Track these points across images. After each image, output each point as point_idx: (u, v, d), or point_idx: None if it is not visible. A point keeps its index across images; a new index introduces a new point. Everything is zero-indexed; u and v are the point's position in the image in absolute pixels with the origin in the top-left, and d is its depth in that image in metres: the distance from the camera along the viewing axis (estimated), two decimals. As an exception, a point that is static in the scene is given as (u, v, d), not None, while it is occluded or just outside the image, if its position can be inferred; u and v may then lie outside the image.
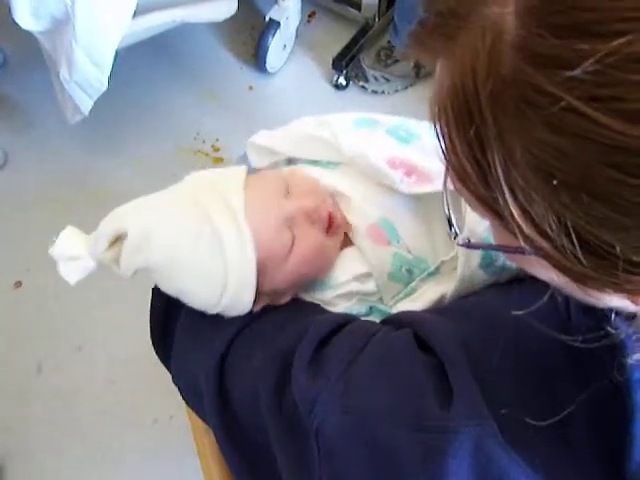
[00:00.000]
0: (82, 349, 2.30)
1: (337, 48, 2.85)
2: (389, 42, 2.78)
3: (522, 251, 0.56)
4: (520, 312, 0.71)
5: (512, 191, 0.50)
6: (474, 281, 0.93)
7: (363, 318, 0.98)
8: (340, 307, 1.00)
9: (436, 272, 0.98)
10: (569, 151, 0.45)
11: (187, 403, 1.08)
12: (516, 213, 0.50)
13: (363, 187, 1.03)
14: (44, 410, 2.21)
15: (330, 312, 0.99)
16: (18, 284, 2.41)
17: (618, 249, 0.47)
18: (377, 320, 0.96)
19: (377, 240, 1.00)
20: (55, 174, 2.64)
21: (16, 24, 2.01)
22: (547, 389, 0.68)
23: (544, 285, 0.64)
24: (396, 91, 2.81)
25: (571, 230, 0.48)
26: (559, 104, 0.44)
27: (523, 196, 0.49)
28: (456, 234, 0.69)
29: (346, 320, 0.91)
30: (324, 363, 0.83)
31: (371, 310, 1.01)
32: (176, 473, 2.05)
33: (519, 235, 0.52)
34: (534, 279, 0.90)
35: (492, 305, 0.84)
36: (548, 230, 0.49)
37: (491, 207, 0.54)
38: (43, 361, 2.28)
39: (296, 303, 1.03)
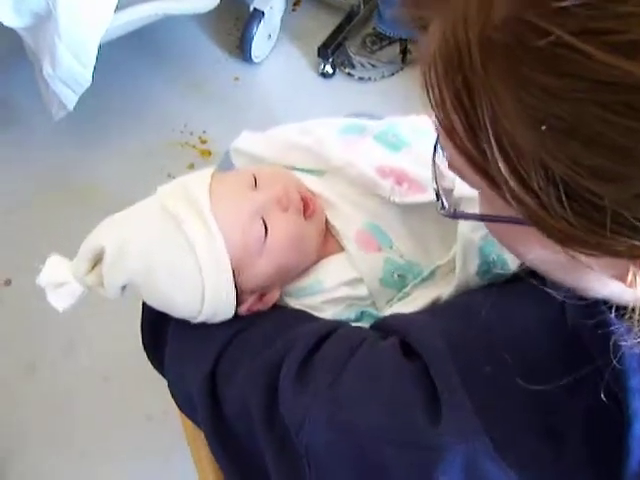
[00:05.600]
0: (75, 347, 2.29)
1: (323, 36, 2.83)
2: (374, 28, 2.77)
3: (509, 220, 0.55)
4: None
5: (499, 142, 0.48)
6: (470, 286, 0.92)
7: (353, 324, 0.97)
8: (328, 313, 0.99)
9: (430, 277, 0.96)
10: (558, 91, 0.44)
11: (184, 412, 1.08)
12: (503, 168, 0.49)
13: (350, 193, 1.02)
14: (39, 410, 2.21)
15: (318, 319, 0.98)
16: (7, 282, 2.40)
17: (607, 202, 0.45)
18: (367, 325, 0.95)
19: (367, 246, 0.99)
20: (41, 170, 2.62)
21: (-2, 21, 2.00)
22: (543, 401, 0.67)
23: (540, 282, 0.63)
24: (383, 77, 2.80)
25: (559, 182, 0.47)
26: (549, 38, 0.43)
27: (510, 147, 0.48)
28: (442, 206, 0.68)
29: (331, 329, 0.90)
30: (310, 379, 0.82)
31: (362, 315, 1.00)
32: (172, 469, 2.05)
33: (506, 193, 0.51)
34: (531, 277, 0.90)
35: (486, 307, 0.81)
36: (535, 185, 0.48)
37: (479, 166, 0.53)
38: (36, 360, 2.27)
39: (284, 311, 1.02)
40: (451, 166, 0.60)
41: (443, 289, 0.93)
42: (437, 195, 0.68)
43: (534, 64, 0.45)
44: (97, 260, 0.96)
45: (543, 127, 0.45)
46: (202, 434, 1.14)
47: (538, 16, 0.44)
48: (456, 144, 0.53)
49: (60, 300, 0.98)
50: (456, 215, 0.68)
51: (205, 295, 0.93)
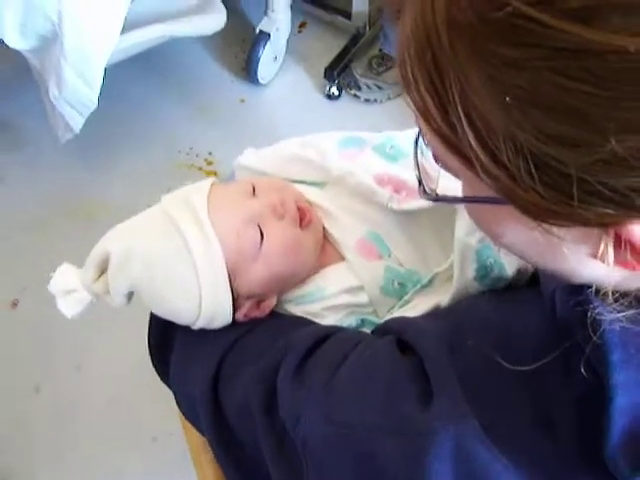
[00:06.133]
0: (80, 368, 2.28)
1: (329, 58, 2.85)
2: (380, 50, 2.78)
3: (487, 200, 0.56)
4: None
5: (469, 117, 0.49)
6: (469, 292, 0.93)
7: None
8: (329, 319, 1.00)
9: (429, 284, 0.97)
10: (518, 61, 0.45)
11: (189, 421, 1.08)
12: (474, 143, 0.50)
13: (350, 204, 1.04)
14: (44, 430, 2.20)
15: (318, 324, 1.00)
16: (14, 303, 2.40)
17: (572, 169, 0.46)
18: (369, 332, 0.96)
19: (368, 255, 1.00)
20: (49, 191, 2.63)
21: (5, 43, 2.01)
22: (533, 388, 0.67)
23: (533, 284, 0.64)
24: (389, 99, 2.81)
25: (526, 153, 0.48)
26: (506, 9, 0.44)
27: (480, 121, 0.49)
28: (424, 191, 0.69)
29: (330, 332, 0.92)
30: (307, 376, 0.84)
31: (363, 323, 1.01)
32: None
33: (479, 169, 0.52)
34: (530, 283, 0.90)
35: (483, 308, 0.84)
36: (505, 158, 0.49)
37: (452, 144, 0.54)
38: (42, 380, 2.27)
39: (283, 318, 1.04)
40: (431, 151, 0.61)
41: (443, 296, 0.95)
42: (419, 181, 0.69)
43: (495, 37, 0.46)
44: (104, 268, 1.00)
45: (507, 98, 0.46)
46: (206, 453, 1.15)
47: None
48: (430, 124, 0.55)
49: (69, 307, 1.01)
50: (437, 199, 0.69)
51: (202, 297, 0.96)
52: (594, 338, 0.60)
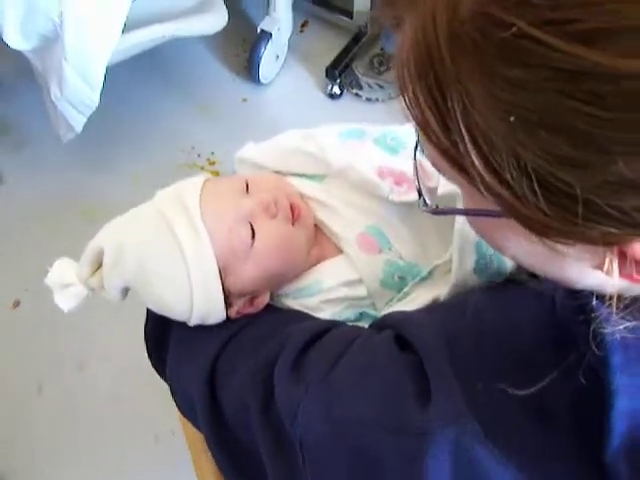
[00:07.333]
0: (82, 367, 2.29)
1: (330, 57, 2.84)
2: (382, 49, 2.78)
3: (488, 213, 0.56)
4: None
5: (471, 135, 0.49)
6: (468, 285, 0.93)
7: (352, 324, 0.99)
8: (327, 312, 1.01)
9: (429, 277, 0.97)
10: (523, 83, 0.45)
11: (186, 417, 1.08)
12: (476, 160, 0.50)
13: (350, 197, 1.03)
14: (46, 428, 2.20)
15: (315, 318, 1.00)
16: (16, 304, 2.41)
17: (577, 190, 0.46)
18: (366, 326, 0.95)
19: (368, 249, 1.00)
20: (51, 192, 2.63)
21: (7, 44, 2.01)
22: (532, 384, 0.66)
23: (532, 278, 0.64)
24: (390, 98, 2.80)
25: (530, 172, 0.47)
26: (511, 30, 0.44)
27: (482, 139, 0.48)
28: (425, 203, 0.69)
29: (328, 326, 0.92)
30: (304, 371, 0.84)
31: (361, 316, 1.01)
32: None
33: (481, 186, 0.51)
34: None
35: (482, 302, 0.83)
36: (508, 176, 0.48)
37: (454, 160, 0.53)
38: (44, 379, 2.27)
39: (281, 312, 1.04)
40: (431, 162, 0.61)
41: (442, 289, 0.95)
42: (419, 192, 0.69)
43: (499, 57, 0.46)
44: (99, 263, 1.00)
45: (512, 118, 0.46)
46: (206, 452, 1.14)
47: (501, 9, 0.45)
48: (431, 140, 0.54)
49: (66, 301, 1.02)
50: (438, 211, 0.70)
51: (193, 294, 0.96)
52: (594, 348, 0.60)
